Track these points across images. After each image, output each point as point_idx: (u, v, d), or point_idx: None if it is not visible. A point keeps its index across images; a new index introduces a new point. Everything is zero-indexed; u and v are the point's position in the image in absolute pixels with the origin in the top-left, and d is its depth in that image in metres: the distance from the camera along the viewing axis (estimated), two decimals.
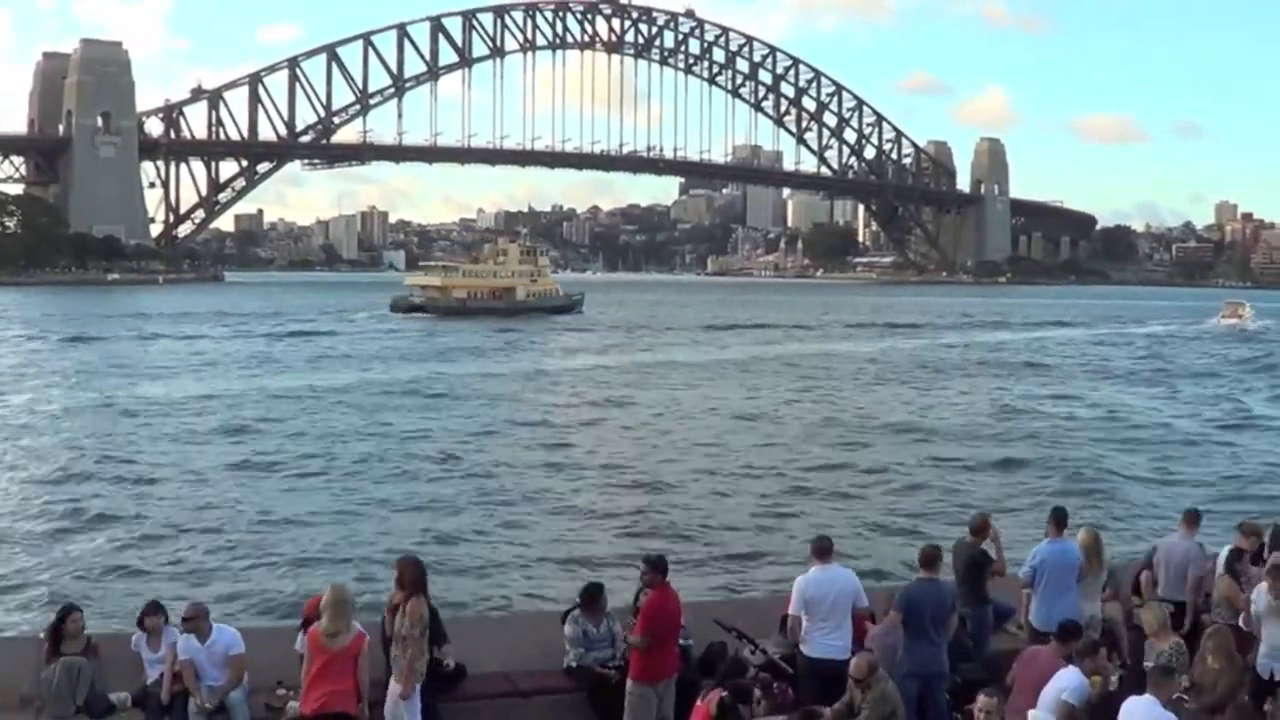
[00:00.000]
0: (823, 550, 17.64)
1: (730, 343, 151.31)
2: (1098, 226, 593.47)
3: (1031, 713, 15.03)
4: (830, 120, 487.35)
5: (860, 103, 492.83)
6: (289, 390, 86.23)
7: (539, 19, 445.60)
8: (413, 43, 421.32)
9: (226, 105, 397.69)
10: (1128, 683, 14.68)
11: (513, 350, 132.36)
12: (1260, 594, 17.48)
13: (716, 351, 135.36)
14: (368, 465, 56.14)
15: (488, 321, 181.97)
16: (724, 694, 13.74)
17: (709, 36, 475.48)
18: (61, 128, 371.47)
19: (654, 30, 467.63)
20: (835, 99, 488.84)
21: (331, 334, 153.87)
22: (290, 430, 67.18)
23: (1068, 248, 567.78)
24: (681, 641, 17.76)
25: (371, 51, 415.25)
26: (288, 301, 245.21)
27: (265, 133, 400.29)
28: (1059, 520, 19.42)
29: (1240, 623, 17.75)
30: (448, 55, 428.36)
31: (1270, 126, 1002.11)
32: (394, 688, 15.45)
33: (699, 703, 14.35)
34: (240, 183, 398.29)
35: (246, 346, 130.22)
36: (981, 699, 14.44)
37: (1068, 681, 14.98)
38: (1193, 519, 21.16)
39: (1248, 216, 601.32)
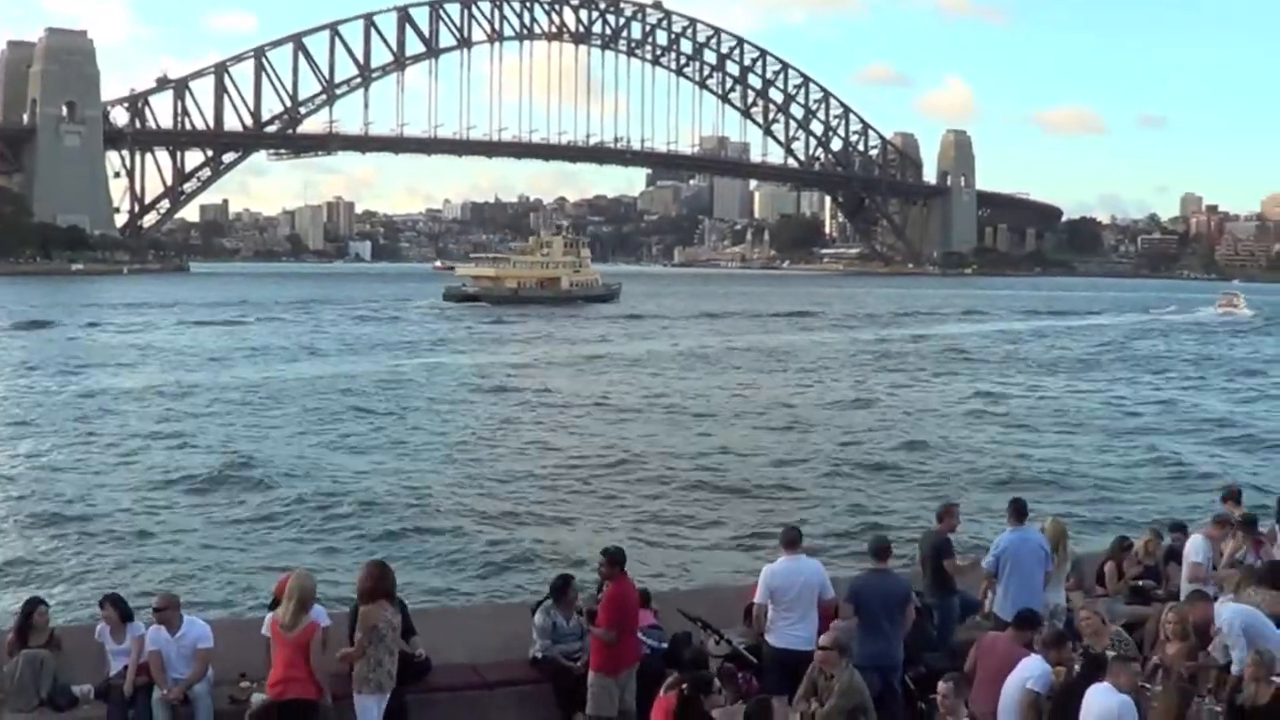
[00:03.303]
0: (791, 541, 17.65)
1: (728, 330, 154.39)
2: (1063, 218, 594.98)
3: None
4: (797, 112, 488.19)
5: (827, 94, 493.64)
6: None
7: (506, 9, 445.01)
8: (379, 33, 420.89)
9: (192, 95, 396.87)
10: (1086, 670, 14.67)
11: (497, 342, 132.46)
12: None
13: (714, 339, 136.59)
14: (349, 455, 56.38)
15: (544, 308, 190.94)
16: (684, 686, 13.72)
17: (676, 28, 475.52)
18: (26, 117, 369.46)
19: (621, 21, 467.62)
20: (802, 91, 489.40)
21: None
22: (282, 416, 68.12)
23: (1033, 239, 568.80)
24: (645, 636, 17.85)
25: (338, 41, 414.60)
26: (319, 291, 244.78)
27: (231, 123, 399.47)
28: (1018, 510, 19.48)
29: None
30: (414, 45, 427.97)
31: (1232, 119, 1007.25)
32: None
33: (661, 695, 14.33)
34: (205, 173, 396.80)
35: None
36: (940, 685, 14.46)
37: (1032, 670, 14.99)
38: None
39: (1212, 209, 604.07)
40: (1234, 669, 15.94)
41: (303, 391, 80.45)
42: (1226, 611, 16.60)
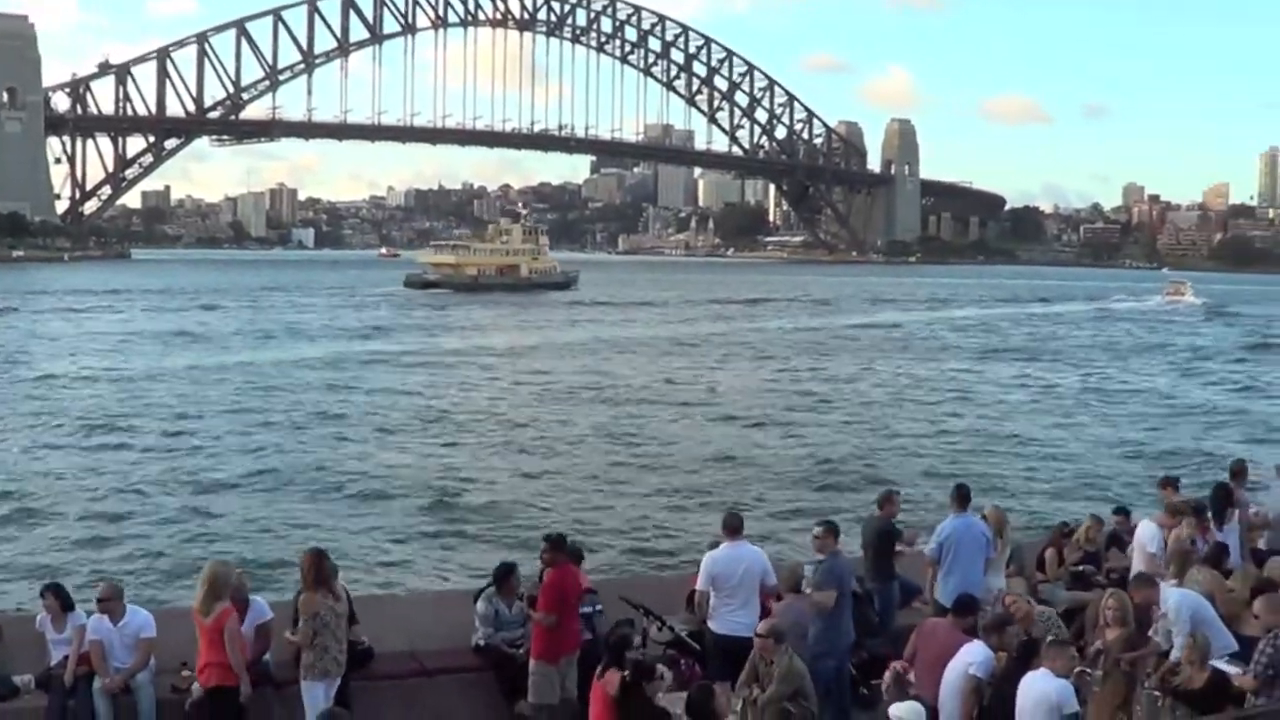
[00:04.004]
0: (733, 528, 17.70)
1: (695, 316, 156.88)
2: (1006, 207, 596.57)
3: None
4: (742, 100, 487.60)
5: (772, 83, 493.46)
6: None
7: None
8: (323, 19, 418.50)
9: (134, 80, 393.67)
10: (1020, 655, 14.75)
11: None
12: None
13: (671, 327, 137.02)
14: (297, 443, 56.29)
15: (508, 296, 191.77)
16: (625, 673, 13.72)
17: (621, 15, 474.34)
18: None
19: (566, 8, 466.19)
20: (747, 79, 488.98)
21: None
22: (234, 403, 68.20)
23: (976, 228, 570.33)
24: (586, 610, 17.89)
25: (281, 27, 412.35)
26: (275, 278, 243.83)
27: (173, 108, 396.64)
28: (962, 496, 19.58)
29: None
30: (358, 31, 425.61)
31: (1175, 110, 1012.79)
32: None
33: (596, 682, 14.35)
34: (147, 159, 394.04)
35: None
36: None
37: (974, 655, 15.04)
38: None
39: (1154, 198, 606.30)
40: (1174, 655, 16.10)
41: (256, 379, 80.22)
42: (1173, 598, 16.68)
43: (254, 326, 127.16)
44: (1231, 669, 15.01)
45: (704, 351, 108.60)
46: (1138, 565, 19.55)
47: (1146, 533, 20.12)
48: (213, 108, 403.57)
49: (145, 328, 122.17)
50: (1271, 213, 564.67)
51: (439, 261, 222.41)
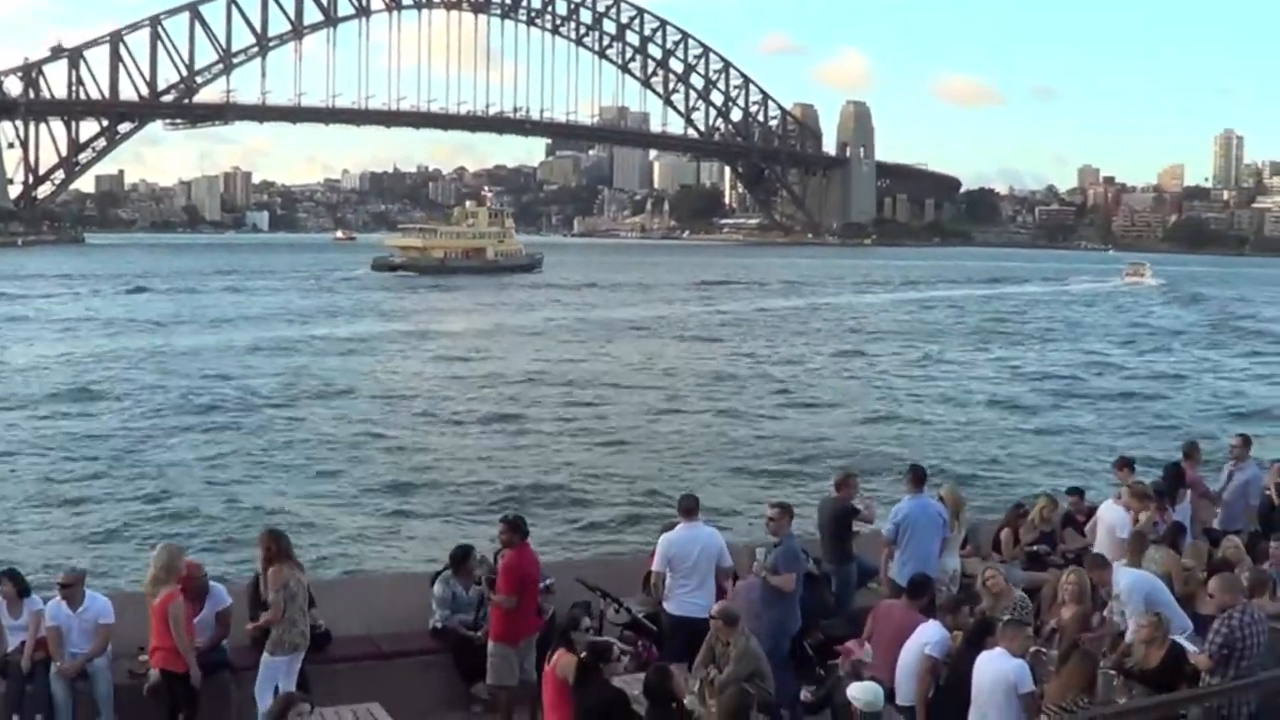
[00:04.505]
0: (688, 509, 17.75)
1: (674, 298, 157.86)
2: (962, 189, 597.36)
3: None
4: (697, 82, 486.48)
5: (727, 65, 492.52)
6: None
7: None
8: (277, 1, 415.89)
9: (87, 64, 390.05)
10: (974, 634, 14.81)
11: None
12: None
13: (634, 310, 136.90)
14: (252, 426, 56.22)
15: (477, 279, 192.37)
16: (581, 654, 13.72)
17: None
18: None
19: None
20: (702, 61, 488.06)
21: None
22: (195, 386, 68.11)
23: (932, 210, 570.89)
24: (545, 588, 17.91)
25: (235, 10, 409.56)
26: (238, 262, 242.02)
27: (126, 92, 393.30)
28: (918, 477, 19.65)
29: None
30: (313, 14, 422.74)
31: (1128, 92, 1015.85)
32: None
33: (547, 666, 14.35)
34: (101, 143, 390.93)
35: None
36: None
37: (930, 635, 15.12)
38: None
39: (1109, 180, 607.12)
40: (1128, 636, 16.19)
41: (217, 363, 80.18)
42: (1125, 579, 16.77)
43: (229, 312, 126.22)
44: (1188, 647, 15.09)
45: (664, 333, 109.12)
46: (1102, 548, 19.52)
47: (1115, 516, 20.04)
48: (166, 91, 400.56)
49: (109, 313, 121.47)
50: (1226, 195, 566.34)
51: (406, 245, 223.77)
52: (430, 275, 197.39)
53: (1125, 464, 22.82)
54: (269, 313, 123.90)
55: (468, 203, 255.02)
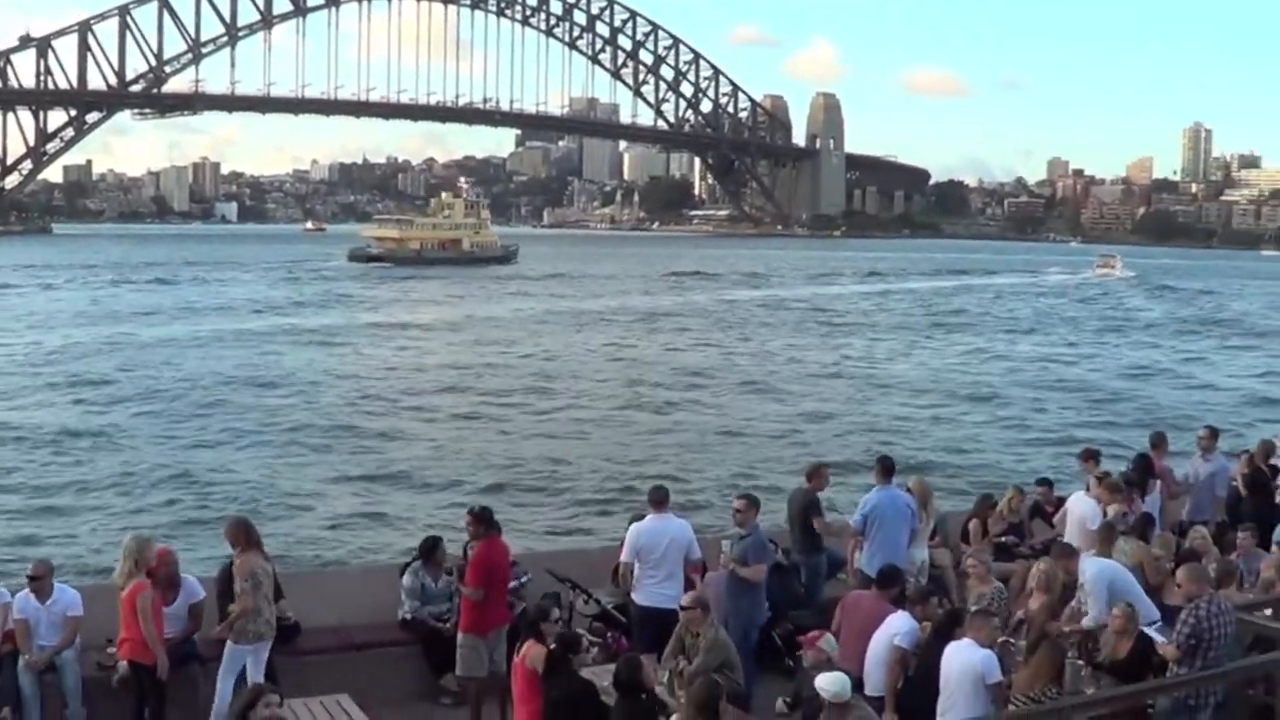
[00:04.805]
0: (658, 500, 17.69)
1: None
2: (931, 181, 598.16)
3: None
4: (667, 73, 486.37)
5: (697, 56, 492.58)
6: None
7: None
8: None
9: (55, 53, 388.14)
10: (944, 625, 14.89)
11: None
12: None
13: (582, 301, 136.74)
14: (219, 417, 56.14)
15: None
16: (551, 645, 13.73)
17: None
18: None
19: None
20: (672, 52, 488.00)
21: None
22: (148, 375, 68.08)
23: (901, 202, 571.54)
24: (514, 584, 17.89)
25: None
26: (212, 253, 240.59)
27: (95, 82, 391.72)
28: (886, 469, 19.67)
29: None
30: (282, 4, 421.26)
31: (1097, 84, 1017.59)
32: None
33: (516, 658, 14.36)
34: (69, 133, 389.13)
35: None
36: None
37: (899, 626, 15.19)
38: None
39: (1078, 173, 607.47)
40: (1085, 622, 16.31)
41: (190, 353, 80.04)
42: (1091, 568, 16.87)
43: (207, 302, 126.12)
44: (1156, 638, 15.16)
45: (635, 324, 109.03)
46: (1072, 539, 19.51)
47: (1084, 508, 20.04)
48: (135, 81, 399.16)
49: (77, 305, 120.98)
50: (1194, 187, 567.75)
51: (382, 236, 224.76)
52: (407, 266, 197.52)
53: (1091, 456, 22.88)
54: (246, 304, 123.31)
55: (444, 194, 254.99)
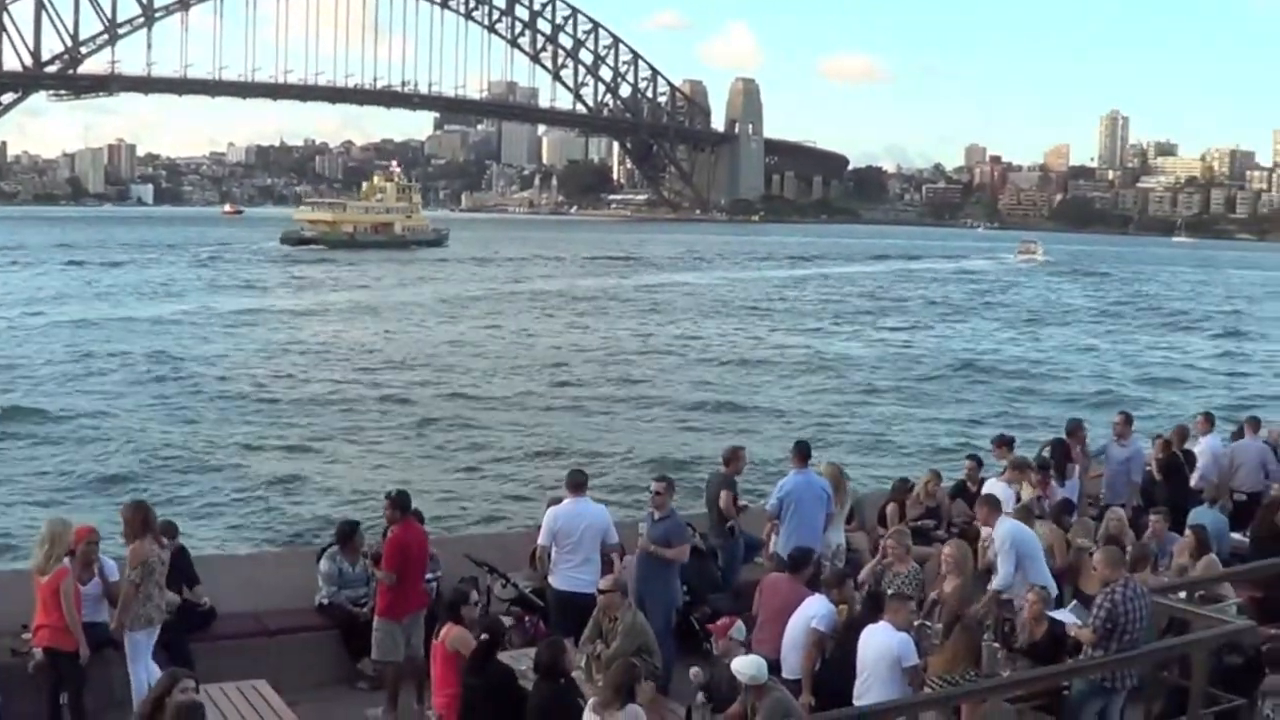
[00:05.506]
0: (576, 484, 17.71)
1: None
2: (849, 167, 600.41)
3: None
4: (586, 58, 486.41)
5: (617, 40, 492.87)
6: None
7: None
8: None
9: None
10: (866, 608, 14.99)
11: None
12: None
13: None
14: (151, 401, 55.87)
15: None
16: (483, 636, 13.70)
17: None
18: None
19: None
20: (591, 37, 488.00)
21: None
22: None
23: (820, 187, 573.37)
24: (429, 576, 17.82)
25: None
26: (135, 235, 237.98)
27: (10, 62, 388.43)
28: (802, 453, 19.73)
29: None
30: None
31: (1015, 71, 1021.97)
32: None
33: (435, 640, 14.37)
34: None
35: None
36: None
37: (816, 609, 15.25)
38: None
39: (996, 159, 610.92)
40: (994, 582, 16.71)
41: (112, 336, 79.47)
42: (1001, 528, 17.32)
43: (144, 287, 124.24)
44: (1073, 619, 15.29)
45: (561, 307, 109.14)
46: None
47: (999, 492, 20.23)
48: (50, 61, 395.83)
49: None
50: (1111, 174, 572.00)
51: (315, 219, 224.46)
52: (340, 250, 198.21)
53: (1004, 442, 23.12)
54: (178, 287, 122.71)
55: (375, 177, 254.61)
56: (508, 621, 16.59)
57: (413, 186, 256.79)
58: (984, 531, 18.09)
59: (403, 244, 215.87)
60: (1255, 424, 26.24)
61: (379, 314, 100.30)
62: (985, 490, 20.57)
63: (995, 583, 16.79)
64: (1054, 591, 16.75)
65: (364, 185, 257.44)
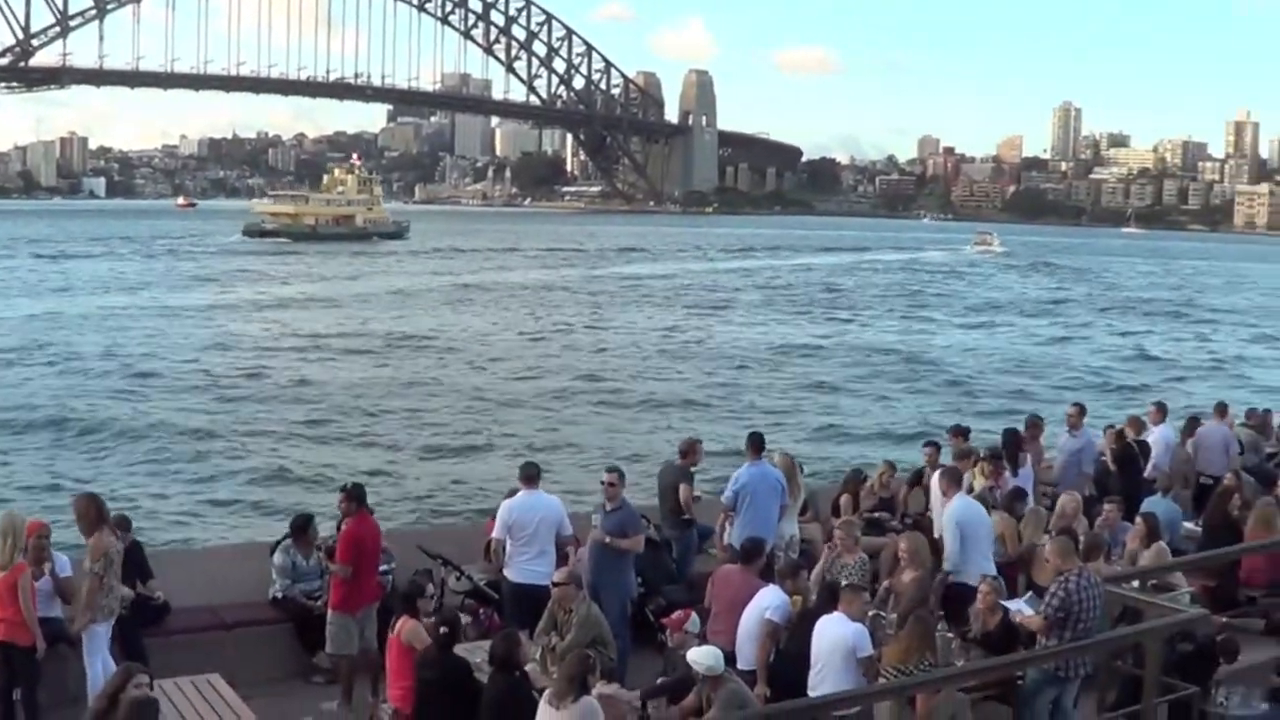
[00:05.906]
0: (530, 476, 17.72)
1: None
2: (803, 159, 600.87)
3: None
4: (539, 50, 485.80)
5: (570, 32, 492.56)
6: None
7: None
8: None
9: None
10: (821, 599, 15.04)
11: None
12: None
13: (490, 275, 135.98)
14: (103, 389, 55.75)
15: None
16: (442, 630, 13.70)
17: None
18: None
19: None
20: (545, 28, 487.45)
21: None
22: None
23: (773, 179, 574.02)
24: (383, 568, 17.80)
25: None
26: (96, 229, 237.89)
27: None
28: (756, 445, 19.69)
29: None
30: None
31: (968, 63, 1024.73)
32: None
33: (391, 634, 14.38)
34: None
35: None
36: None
37: (770, 600, 15.30)
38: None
39: (949, 151, 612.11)
40: (944, 563, 16.95)
41: (82, 328, 79.22)
42: (950, 505, 17.75)
43: (108, 281, 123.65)
44: (1025, 610, 15.38)
45: (516, 299, 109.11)
46: (937, 512, 19.83)
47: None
48: (1, 54, 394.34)
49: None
50: (1064, 165, 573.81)
51: (277, 211, 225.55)
52: (302, 242, 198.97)
53: (960, 432, 23.21)
54: (143, 280, 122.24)
55: (336, 170, 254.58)
56: (465, 619, 16.60)
57: (373, 179, 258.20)
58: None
59: (364, 236, 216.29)
60: (1222, 409, 26.59)
61: (343, 306, 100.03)
62: (935, 480, 20.65)
63: (945, 563, 16.93)
64: (991, 571, 16.88)
65: (325, 178, 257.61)
